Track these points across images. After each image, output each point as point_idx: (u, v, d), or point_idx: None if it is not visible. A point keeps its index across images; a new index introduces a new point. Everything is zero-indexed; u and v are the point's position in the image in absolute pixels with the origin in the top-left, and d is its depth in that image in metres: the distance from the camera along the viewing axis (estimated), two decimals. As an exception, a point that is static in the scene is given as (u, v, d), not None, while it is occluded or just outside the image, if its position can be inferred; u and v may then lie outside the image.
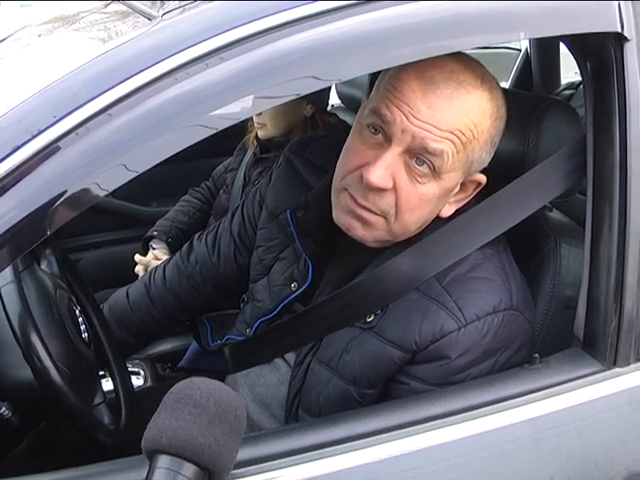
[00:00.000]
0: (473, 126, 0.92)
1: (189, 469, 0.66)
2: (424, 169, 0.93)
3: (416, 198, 0.95)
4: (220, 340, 1.30)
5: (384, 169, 0.92)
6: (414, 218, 0.98)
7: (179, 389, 0.71)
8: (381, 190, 0.94)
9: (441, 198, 0.98)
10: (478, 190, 1.03)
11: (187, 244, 1.44)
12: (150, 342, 1.54)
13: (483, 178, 1.01)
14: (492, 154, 0.99)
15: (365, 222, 0.98)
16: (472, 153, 0.95)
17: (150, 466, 0.67)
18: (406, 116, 0.90)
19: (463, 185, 1.01)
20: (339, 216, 1.01)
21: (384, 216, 0.97)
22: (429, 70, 0.91)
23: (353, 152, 0.98)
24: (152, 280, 1.44)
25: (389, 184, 0.93)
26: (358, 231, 0.99)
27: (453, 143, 0.91)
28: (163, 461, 0.67)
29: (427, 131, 0.90)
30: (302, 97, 1.89)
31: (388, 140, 0.93)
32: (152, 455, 0.68)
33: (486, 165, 1.00)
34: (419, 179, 0.94)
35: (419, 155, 0.92)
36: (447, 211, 1.02)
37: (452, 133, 0.91)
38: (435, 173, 0.93)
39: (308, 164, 1.22)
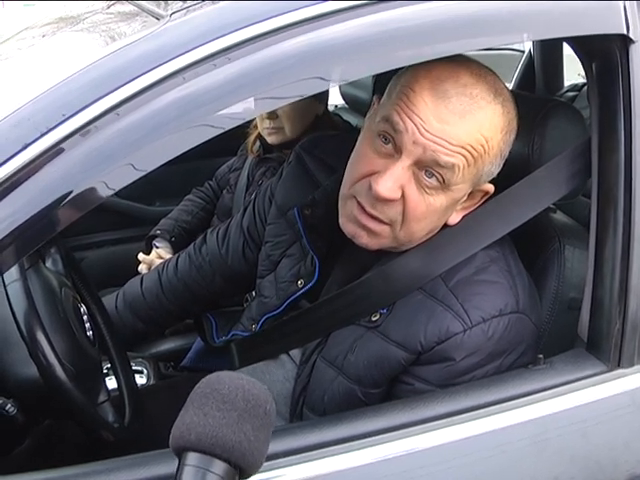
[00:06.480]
0: (484, 141, 0.92)
1: (219, 466, 0.64)
2: (433, 181, 0.93)
3: (423, 208, 0.95)
4: (225, 336, 1.31)
5: (393, 181, 0.92)
6: (421, 226, 0.98)
7: (205, 384, 0.68)
8: (389, 201, 0.94)
9: (448, 208, 0.98)
10: (485, 198, 1.03)
11: (201, 236, 1.47)
12: (159, 331, 1.54)
13: (491, 187, 1.01)
14: (501, 165, 0.99)
15: (370, 231, 0.98)
16: (482, 166, 0.95)
17: (179, 464, 0.65)
18: (418, 128, 0.90)
19: (471, 194, 1.01)
20: (345, 224, 1.01)
21: (391, 224, 0.97)
22: (442, 83, 0.90)
23: (363, 159, 0.97)
24: (165, 268, 1.47)
25: (397, 195, 0.93)
26: (363, 239, 0.99)
27: (464, 157, 0.91)
28: (192, 459, 0.64)
29: (439, 145, 0.90)
30: (314, 97, 1.89)
31: (398, 150, 0.93)
32: (180, 452, 0.65)
33: (495, 176, 1.00)
34: (427, 190, 0.94)
35: (429, 167, 0.92)
36: (454, 219, 1.02)
37: (463, 148, 0.91)
38: (444, 185, 0.93)
39: (318, 162, 1.23)
